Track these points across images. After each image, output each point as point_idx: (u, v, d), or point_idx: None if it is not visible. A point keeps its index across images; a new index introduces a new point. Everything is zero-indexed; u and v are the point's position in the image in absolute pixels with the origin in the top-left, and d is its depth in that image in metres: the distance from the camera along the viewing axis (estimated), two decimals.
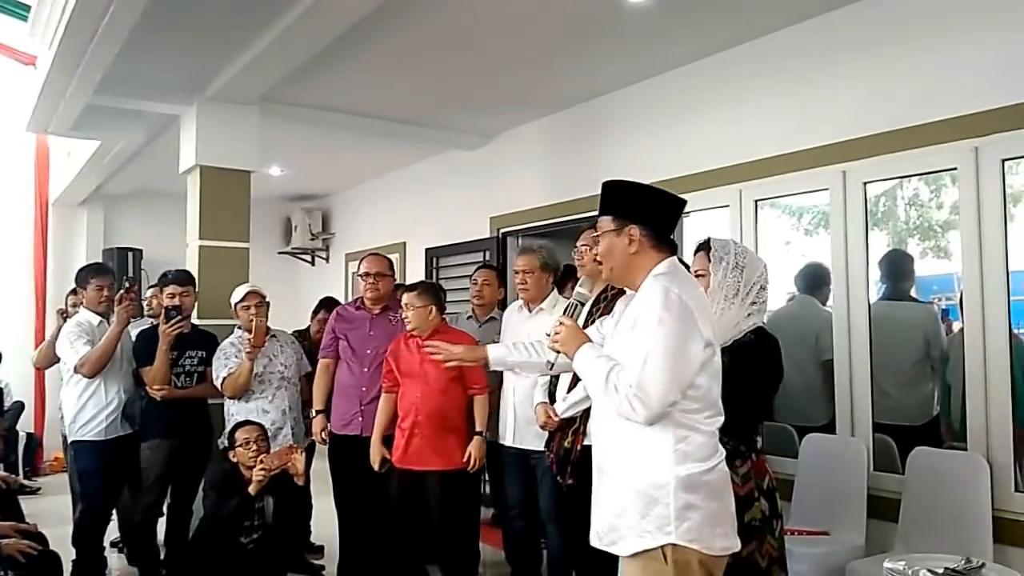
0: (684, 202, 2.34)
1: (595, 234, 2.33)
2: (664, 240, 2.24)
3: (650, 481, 2.08)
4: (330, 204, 9.49)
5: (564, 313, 2.38)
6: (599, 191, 2.33)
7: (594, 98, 5.45)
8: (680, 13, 4.04)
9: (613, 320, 2.35)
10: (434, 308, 3.91)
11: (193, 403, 4.42)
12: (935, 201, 4.32)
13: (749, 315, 2.63)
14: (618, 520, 2.15)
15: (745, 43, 4.39)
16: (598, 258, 2.31)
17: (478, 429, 3.91)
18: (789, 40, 4.19)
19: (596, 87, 5.28)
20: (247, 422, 4.09)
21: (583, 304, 2.45)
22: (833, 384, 3.90)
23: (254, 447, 3.93)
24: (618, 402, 2.06)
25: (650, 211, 2.24)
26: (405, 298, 3.93)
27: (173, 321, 4.24)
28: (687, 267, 2.82)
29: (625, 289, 2.37)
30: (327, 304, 5.35)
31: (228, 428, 4.23)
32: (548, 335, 2.31)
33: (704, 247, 2.76)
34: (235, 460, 3.96)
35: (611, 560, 2.26)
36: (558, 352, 2.31)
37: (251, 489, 3.79)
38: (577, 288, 2.56)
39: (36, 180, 8.46)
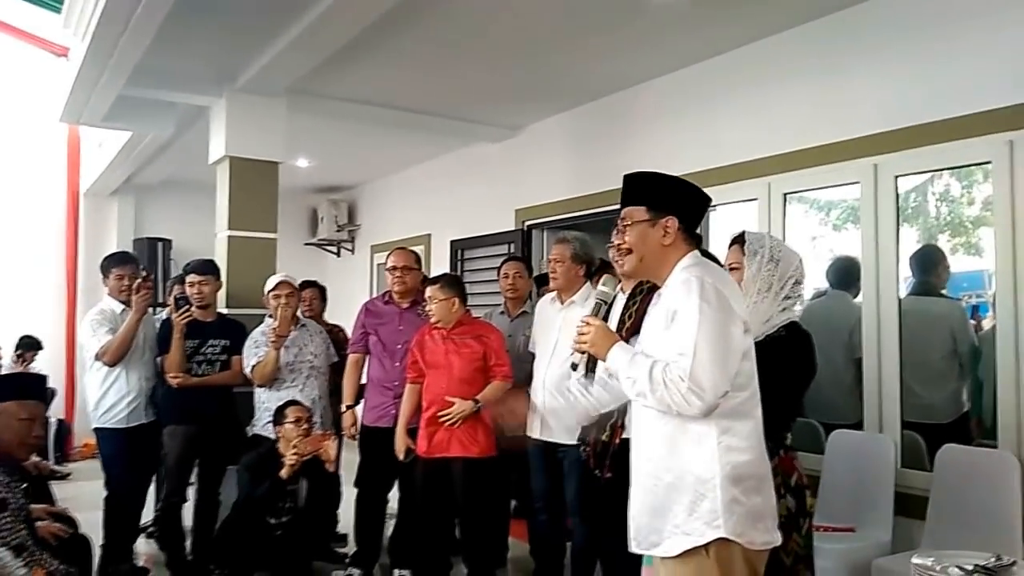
0: (710, 199, 2.34)
1: (624, 223, 2.25)
2: (692, 234, 2.24)
3: (695, 477, 2.04)
4: (356, 196, 9.53)
5: (591, 314, 2.33)
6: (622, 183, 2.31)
7: (621, 90, 5.42)
8: (708, 4, 4.01)
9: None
10: (457, 300, 3.95)
11: (214, 390, 4.43)
12: (966, 197, 4.26)
13: (783, 309, 2.60)
14: (658, 521, 2.10)
15: (774, 35, 4.35)
16: (625, 247, 2.24)
17: (477, 397, 3.85)
18: (819, 31, 4.14)
19: (623, 79, 5.26)
20: (297, 402, 4.17)
21: (608, 304, 2.37)
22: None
23: (305, 426, 4.04)
24: (669, 397, 2.00)
25: (685, 204, 2.24)
26: (428, 291, 4.00)
27: (182, 311, 4.30)
28: (712, 258, 2.80)
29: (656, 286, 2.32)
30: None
31: (257, 415, 4.36)
32: (580, 324, 2.28)
33: (738, 240, 2.73)
34: (279, 435, 4.04)
35: (635, 555, 2.23)
36: (584, 353, 2.27)
37: (283, 473, 3.87)
38: (599, 287, 2.46)
39: (68, 170, 8.59)
